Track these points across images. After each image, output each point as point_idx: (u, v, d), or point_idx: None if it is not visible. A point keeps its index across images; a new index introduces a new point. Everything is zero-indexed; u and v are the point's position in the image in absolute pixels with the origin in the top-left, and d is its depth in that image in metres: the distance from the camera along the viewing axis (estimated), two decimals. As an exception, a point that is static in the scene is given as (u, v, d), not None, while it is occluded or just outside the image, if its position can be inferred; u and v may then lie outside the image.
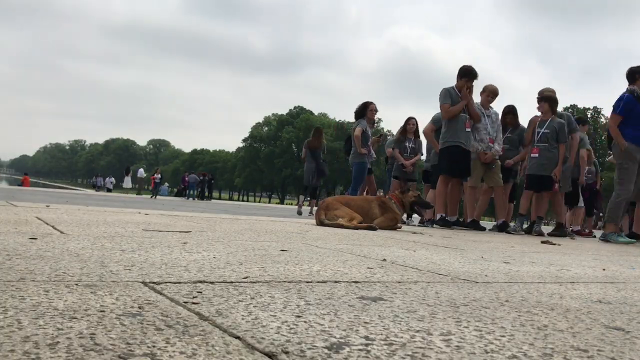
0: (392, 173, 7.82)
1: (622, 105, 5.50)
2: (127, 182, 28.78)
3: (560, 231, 6.44)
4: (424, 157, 7.88)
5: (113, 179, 30.59)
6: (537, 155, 6.16)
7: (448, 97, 6.08)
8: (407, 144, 7.67)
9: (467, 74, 6.16)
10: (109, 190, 28.77)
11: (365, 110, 7.71)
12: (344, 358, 0.76)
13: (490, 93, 6.53)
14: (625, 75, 5.78)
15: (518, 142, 6.82)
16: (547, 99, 6.31)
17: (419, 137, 7.81)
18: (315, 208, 11.17)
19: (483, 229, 6.32)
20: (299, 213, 10.23)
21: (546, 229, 6.80)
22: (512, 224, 6.76)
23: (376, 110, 7.88)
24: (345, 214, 4.51)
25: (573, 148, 6.56)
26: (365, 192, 8.10)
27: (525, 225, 6.47)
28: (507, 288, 1.57)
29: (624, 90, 5.71)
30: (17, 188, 20.32)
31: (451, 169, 6.10)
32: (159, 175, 26.49)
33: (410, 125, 7.75)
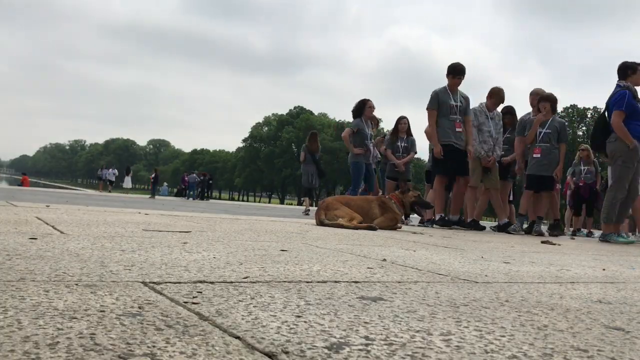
0: (386, 174, 7.79)
1: (627, 101, 5.42)
2: (127, 182, 28.70)
3: (557, 229, 6.45)
4: (418, 156, 7.85)
5: (116, 170, 29.80)
6: (539, 155, 6.16)
7: (435, 102, 6.16)
8: (399, 143, 7.64)
9: (451, 71, 6.22)
10: (110, 182, 28.18)
11: (363, 108, 7.52)
12: (344, 358, 0.76)
13: (499, 100, 6.58)
14: (616, 70, 5.70)
15: None
16: (548, 98, 6.30)
17: (411, 135, 7.79)
18: (310, 208, 11.62)
19: (483, 228, 6.33)
20: (307, 213, 10.55)
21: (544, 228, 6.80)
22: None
23: (374, 108, 7.64)
24: (345, 214, 4.51)
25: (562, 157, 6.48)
26: (372, 193, 8.04)
27: (525, 225, 6.47)
28: (507, 288, 1.57)
29: (616, 87, 5.64)
30: (17, 188, 20.32)
31: (443, 168, 6.14)
32: (153, 175, 26.79)
33: (402, 125, 7.73)
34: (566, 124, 6.32)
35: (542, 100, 6.31)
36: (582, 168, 9.85)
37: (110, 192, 25.82)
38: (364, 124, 7.51)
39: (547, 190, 6.28)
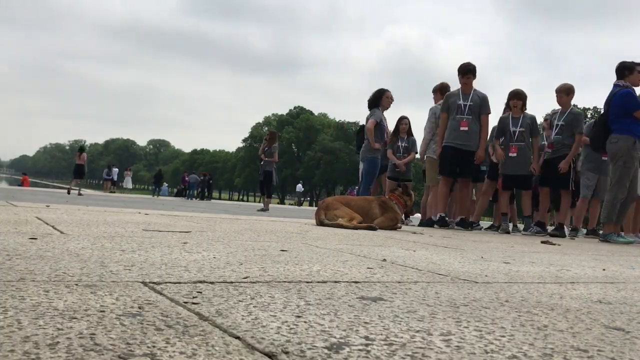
0: (387, 174, 7.77)
1: (637, 100, 5.41)
2: (128, 182, 28.81)
3: (560, 232, 6.44)
4: (418, 156, 7.80)
5: (117, 169, 29.81)
6: (515, 154, 6.20)
7: (445, 105, 6.25)
8: (400, 143, 7.61)
9: (459, 71, 6.23)
10: (114, 183, 28.05)
11: (381, 98, 6.87)
12: (344, 358, 0.76)
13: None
14: (615, 69, 5.67)
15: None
16: (520, 95, 6.33)
17: (412, 135, 7.77)
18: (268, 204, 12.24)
19: (471, 227, 6.31)
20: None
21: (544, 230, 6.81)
22: (519, 224, 6.81)
23: (392, 99, 6.95)
24: (345, 214, 4.51)
25: (535, 150, 6.50)
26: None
27: (510, 225, 6.53)
28: (507, 288, 1.57)
29: (614, 87, 5.61)
30: (17, 188, 20.32)
31: (443, 169, 6.15)
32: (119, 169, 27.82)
33: (403, 125, 7.70)
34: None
35: (514, 97, 6.32)
36: None
37: (113, 192, 25.67)
38: (383, 116, 6.88)
39: (526, 189, 6.36)
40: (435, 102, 6.92)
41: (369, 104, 7.01)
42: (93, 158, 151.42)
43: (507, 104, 6.45)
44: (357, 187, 7.72)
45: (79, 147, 17.94)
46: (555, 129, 6.28)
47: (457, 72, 6.25)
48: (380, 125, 6.85)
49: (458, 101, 6.11)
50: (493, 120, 6.85)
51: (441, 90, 6.86)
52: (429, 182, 6.90)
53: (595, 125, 6.07)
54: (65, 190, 15.60)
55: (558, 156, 6.16)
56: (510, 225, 6.66)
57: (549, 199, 6.58)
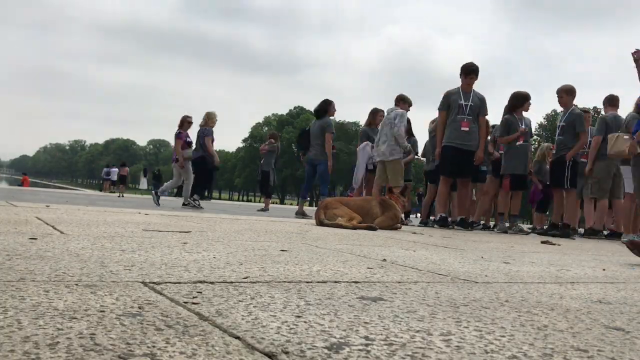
0: None
1: None
2: (144, 183, 28.99)
3: (563, 231, 6.44)
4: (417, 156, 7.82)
5: (116, 169, 29.47)
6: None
7: (444, 103, 6.25)
8: None
9: (463, 71, 6.25)
10: (113, 183, 27.72)
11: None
12: (344, 358, 0.76)
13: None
14: None
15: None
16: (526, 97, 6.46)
17: (413, 136, 7.76)
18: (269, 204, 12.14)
19: (471, 228, 6.32)
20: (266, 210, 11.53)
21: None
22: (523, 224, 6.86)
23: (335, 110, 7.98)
24: (345, 214, 4.51)
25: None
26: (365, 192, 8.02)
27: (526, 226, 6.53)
28: (507, 288, 1.57)
29: None
30: (17, 188, 20.32)
31: (444, 169, 6.15)
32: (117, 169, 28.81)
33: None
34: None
35: (529, 98, 6.44)
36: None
37: (113, 192, 25.45)
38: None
39: (524, 189, 6.54)
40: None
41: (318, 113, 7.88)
42: (93, 158, 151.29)
43: (518, 105, 6.43)
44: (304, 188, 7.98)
45: (122, 163, 24.66)
46: (558, 130, 6.33)
47: (459, 72, 6.23)
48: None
49: (459, 100, 6.10)
50: (493, 121, 6.90)
51: (403, 100, 6.83)
52: (392, 184, 6.82)
53: None
54: (101, 193, 18.64)
55: (559, 156, 6.20)
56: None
57: (562, 201, 6.63)
